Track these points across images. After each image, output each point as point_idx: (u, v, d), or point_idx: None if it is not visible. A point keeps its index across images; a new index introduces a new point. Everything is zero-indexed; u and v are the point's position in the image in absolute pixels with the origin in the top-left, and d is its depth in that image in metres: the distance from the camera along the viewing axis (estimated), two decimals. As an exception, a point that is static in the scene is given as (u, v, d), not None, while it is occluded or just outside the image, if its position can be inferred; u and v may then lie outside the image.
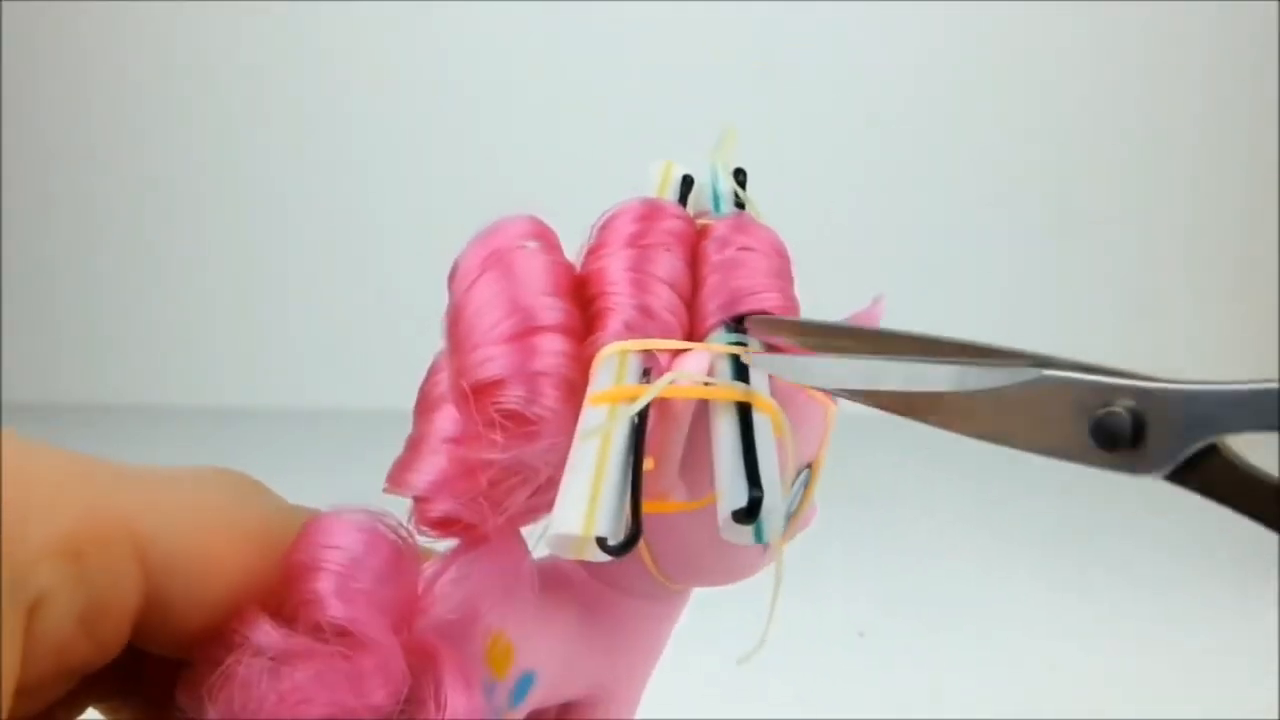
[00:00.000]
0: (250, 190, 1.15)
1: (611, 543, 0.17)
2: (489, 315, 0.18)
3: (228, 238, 1.16)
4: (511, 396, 0.18)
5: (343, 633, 0.16)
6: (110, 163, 1.15)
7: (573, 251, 0.21)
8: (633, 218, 0.21)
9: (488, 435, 0.18)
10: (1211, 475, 0.14)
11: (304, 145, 1.14)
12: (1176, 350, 1.14)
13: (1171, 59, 1.11)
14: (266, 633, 0.16)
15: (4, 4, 1.11)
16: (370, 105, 1.13)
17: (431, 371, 0.20)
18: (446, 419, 0.19)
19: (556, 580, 0.22)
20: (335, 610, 0.17)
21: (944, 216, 1.13)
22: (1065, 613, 0.61)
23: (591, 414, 0.18)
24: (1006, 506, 0.81)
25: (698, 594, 0.24)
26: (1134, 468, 0.14)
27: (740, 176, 0.23)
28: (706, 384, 0.19)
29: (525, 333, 0.18)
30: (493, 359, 0.18)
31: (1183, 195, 1.14)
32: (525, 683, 0.20)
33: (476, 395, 0.18)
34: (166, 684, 0.17)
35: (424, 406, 0.20)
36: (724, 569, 0.22)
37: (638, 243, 0.20)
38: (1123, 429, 0.14)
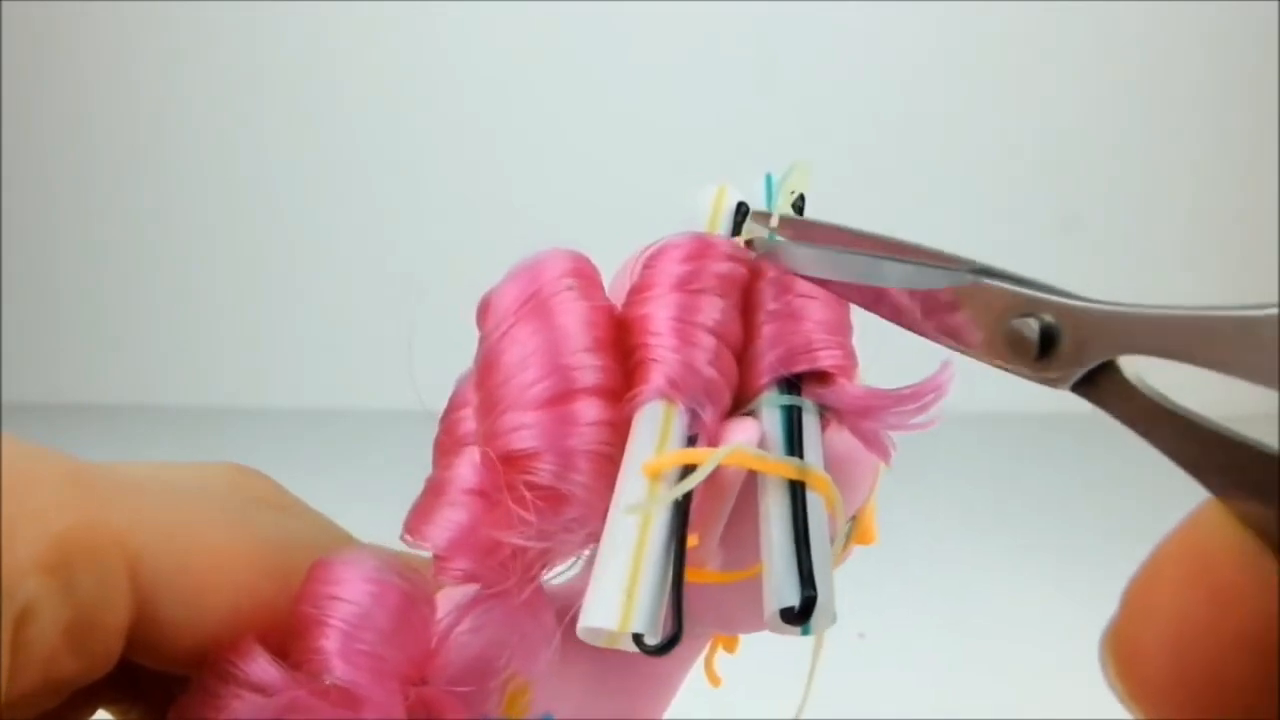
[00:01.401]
0: (250, 190, 1.15)
1: (650, 641, 0.16)
2: (525, 373, 0.17)
3: (228, 238, 1.16)
4: (543, 471, 0.17)
5: (346, 689, 0.16)
6: (110, 163, 1.15)
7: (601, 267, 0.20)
8: (681, 257, 0.19)
9: (517, 512, 0.17)
10: (1107, 392, 0.15)
11: (304, 145, 1.14)
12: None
13: (1172, 59, 1.11)
14: (263, 669, 0.16)
15: (4, 4, 1.11)
16: (371, 105, 1.13)
17: (454, 405, 0.19)
18: (467, 466, 0.18)
19: (574, 618, 0.22)
20: (339, 671, 0.16)
21: (944, 216, 1.13)
22: (1066, 613, 0.61)
23: (631, 485, 0.17)
24: (1007, 508, 0.81)
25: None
26: (1046, 379, 0.15)
27: (799, 204, 0.21)
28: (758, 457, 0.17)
29: (561, 397, 0.17)
30: (527, 427, 0.17)
31: (1183, 194, 1.14)
32: None
33: (506, 465, 0.17)
34: (174, 689, 0.17)
35: (446, 445, 0.18)
36: (755, 625, 0.21)
37: (686, 287, 0.19)
38: (1031, 338, 0.15)
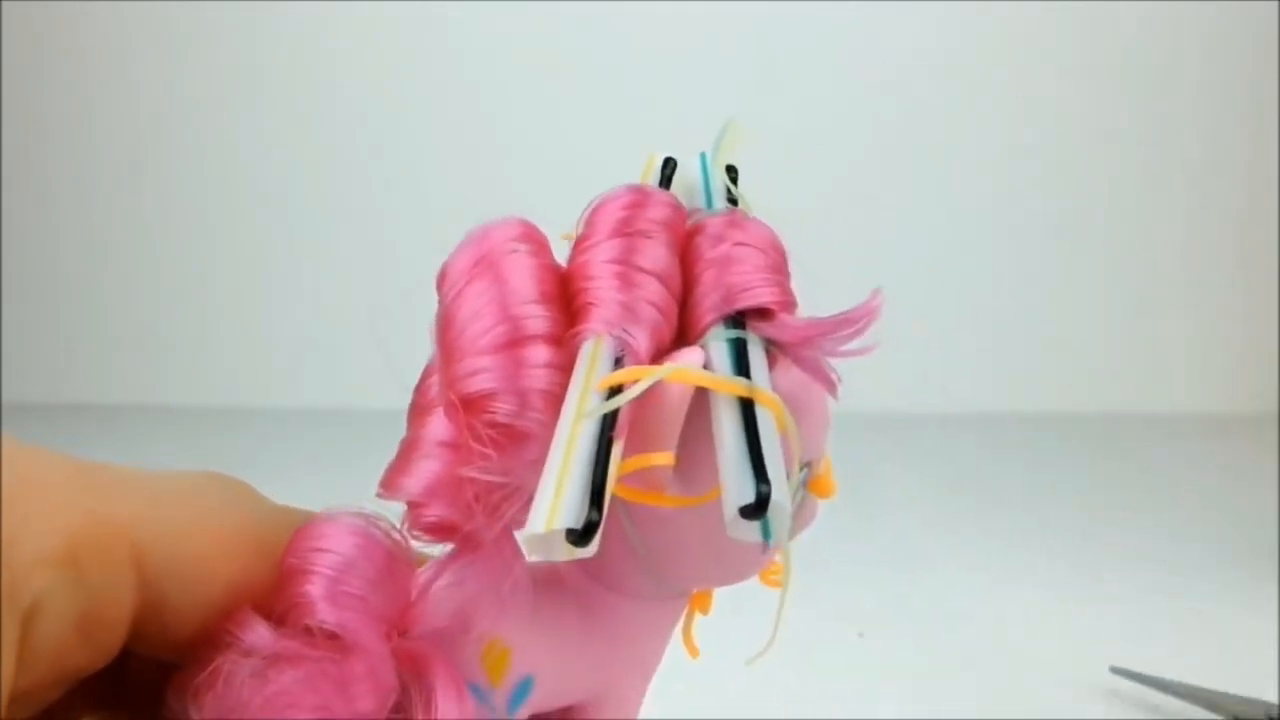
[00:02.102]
0: (251, 190, 1.15)
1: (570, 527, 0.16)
2: (478, 323, 0.18)
3: (228, 238, 1.16)
4: (502, 409, 0.18)
5: (332, 637, 0.16)
6: (111, 162, 1.15)
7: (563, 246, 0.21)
8: (619, 205, 0.20)
9: (479, 449, 0.17)
10: None
11: (304, 145, 1.14)
12: (1176, 350, 1.14)
13: (1172, 59, 1.11)
14: (260, 634, 0.16)
15: (4, 4, 1.11)
16: (372, 106, 1.13)
17: (424, 375, 0.20)
18: (439, 423, 0.19)
19: (553, 583, 0.22)
20: (325, 614, 0.17)
21: (944, 216, 1.13)
22: (1065, 613, 0.61)
23: (566, 411, 0.18)
24: (1007, 507, 0.81)
25: (696, 594, 0.24)
26: None
27: (732, 173, 0.23)
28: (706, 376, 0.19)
29: (513, 343, 0.18)
30: (483, 370, 0.18)
31: (1182, 195, 1.14)
32: (523, 688, 0.20)
33: (466, 407, 0.18)
34: (160, 688, 0.17)
35: (417, 410, 0.19)
36: (723, 568, 0.22)
37: (623, 231, 0.20)
38: None
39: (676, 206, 0.21)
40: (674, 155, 0.23)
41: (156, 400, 1.15)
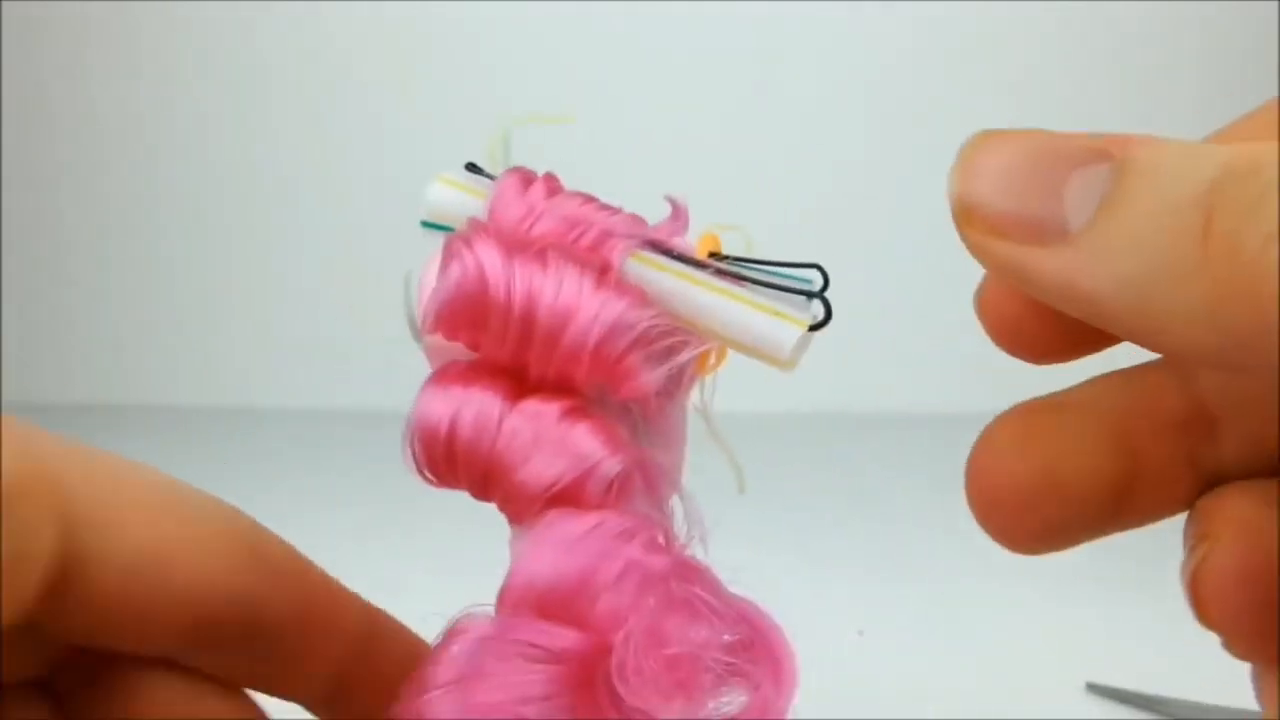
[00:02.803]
0: (252, 189, 1.15)
1: (813, 321, 0.18)
2: (561, 293, 0.19)
3: (231, 237, 1.16)
4: (636, 327, 0.18)
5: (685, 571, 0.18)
6: (112, 161, 1.15)
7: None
8: (509, 202, 0.23)
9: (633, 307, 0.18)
10: None
11: (305, 144, 1.14)
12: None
13: (1172, 59, 1.11)
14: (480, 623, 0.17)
15: (4, 2, 1.11)
16: (380, 106, 1.13)
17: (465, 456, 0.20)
18: (546, 412, 0.19)
19: None
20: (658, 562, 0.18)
21: (944, 215, 1.13)
22: (1066, 613, 0.61)
23: (693, 294, 0.19)
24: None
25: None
26: None
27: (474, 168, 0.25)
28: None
29: (596, 283, 0.19)
30: (592, 320, 0.18)
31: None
32: None
33: (602, 351, 0.18)
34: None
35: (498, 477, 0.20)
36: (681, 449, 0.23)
37: (537, 199, 0.22)
38: None
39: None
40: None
41: (157, 400, 1.15)
